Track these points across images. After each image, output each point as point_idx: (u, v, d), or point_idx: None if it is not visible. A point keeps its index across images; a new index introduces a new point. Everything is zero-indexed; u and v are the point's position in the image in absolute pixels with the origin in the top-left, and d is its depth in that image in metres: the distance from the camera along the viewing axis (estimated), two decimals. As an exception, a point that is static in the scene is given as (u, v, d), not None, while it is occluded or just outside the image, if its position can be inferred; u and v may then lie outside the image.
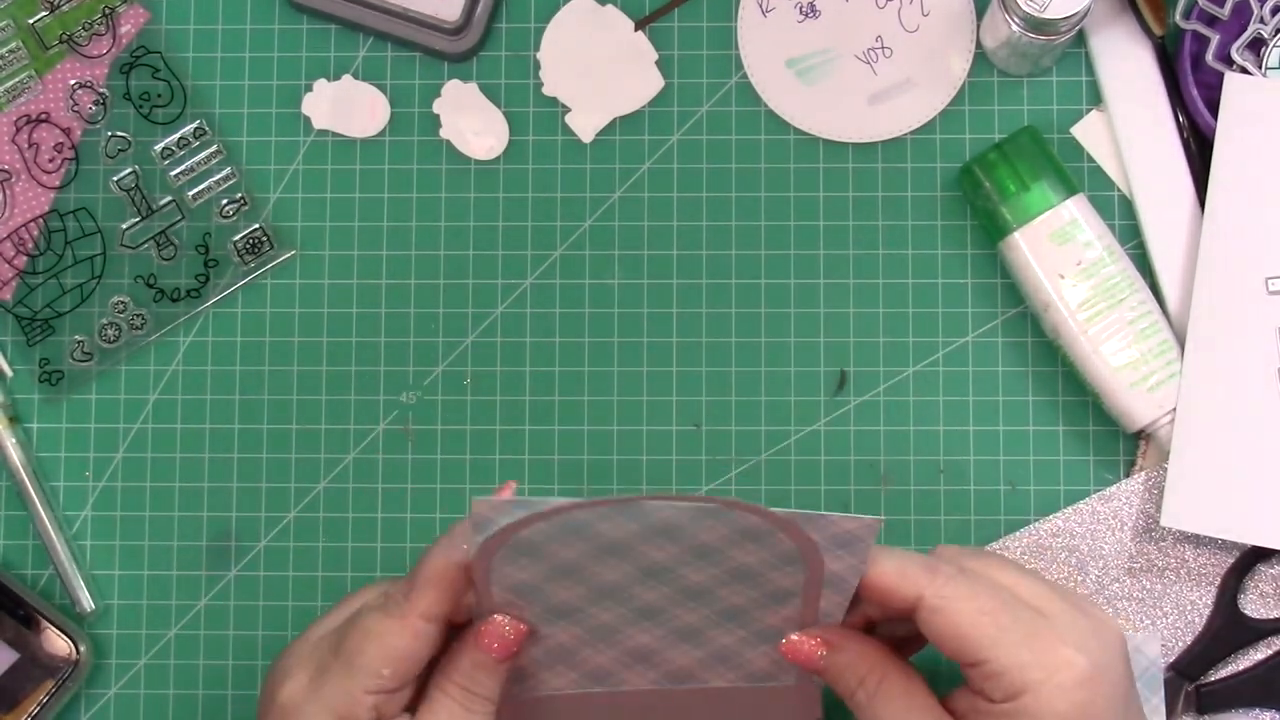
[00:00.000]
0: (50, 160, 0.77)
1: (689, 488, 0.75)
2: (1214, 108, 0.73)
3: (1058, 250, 0.72)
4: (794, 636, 0.63)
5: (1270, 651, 0.72)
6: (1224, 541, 0.72)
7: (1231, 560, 0.73)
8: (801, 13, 0.77)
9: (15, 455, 0.75)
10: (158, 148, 0.77)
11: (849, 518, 0.61)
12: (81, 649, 0.73)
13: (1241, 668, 0.72)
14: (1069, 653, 0.58)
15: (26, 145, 0.77)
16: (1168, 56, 0.75)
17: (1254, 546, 0.72)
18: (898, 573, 0.60)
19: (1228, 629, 0.72)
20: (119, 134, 0.77)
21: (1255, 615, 0.73)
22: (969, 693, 0.60)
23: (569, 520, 0.60)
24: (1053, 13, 0.69)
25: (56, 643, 0.73)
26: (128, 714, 0.75)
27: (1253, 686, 0.72)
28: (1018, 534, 0.74)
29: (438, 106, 0.77)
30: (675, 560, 0.61)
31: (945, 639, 0.59)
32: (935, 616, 0.59)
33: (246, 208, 0.77)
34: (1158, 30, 0.74)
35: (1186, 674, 0.72)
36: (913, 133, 0.76)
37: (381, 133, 0.77)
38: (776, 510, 0.60)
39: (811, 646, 0.63)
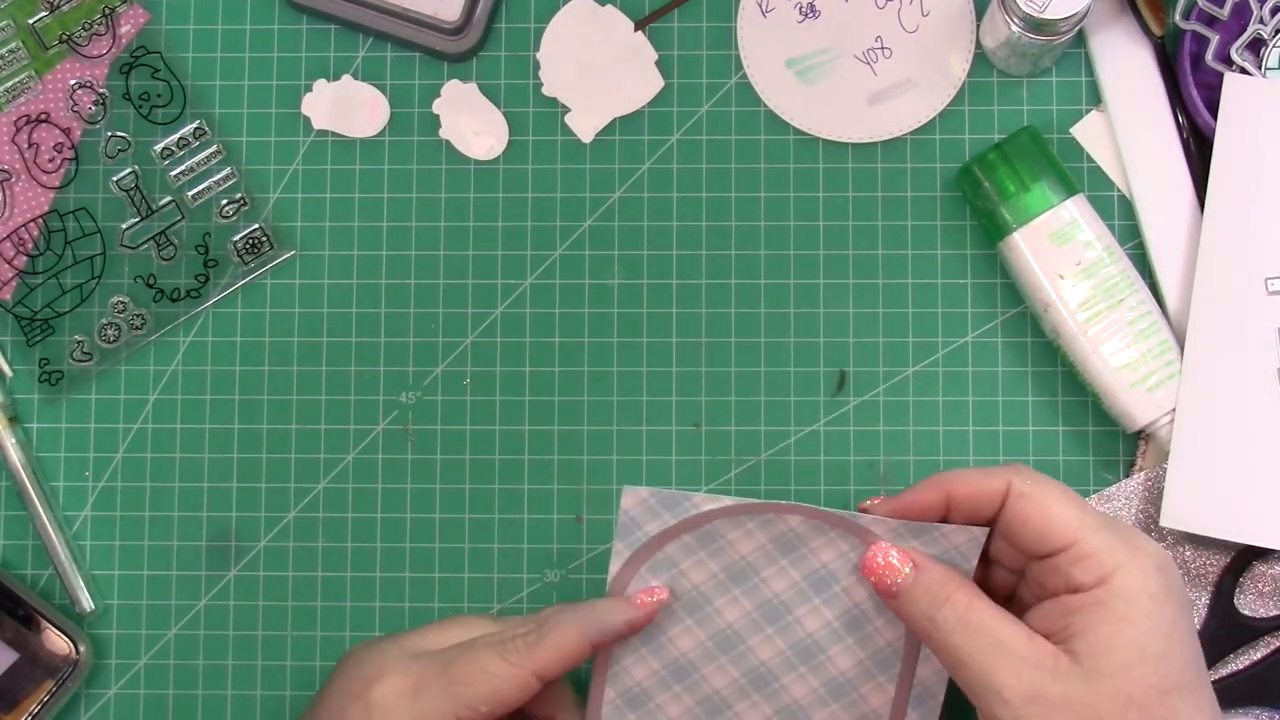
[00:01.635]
0: (50, 160, 0.77)
1: (690, 487, 0.75)
2: (1214, 108, 0.73)
3: (1057, 250, 0.72)
4: (878, 551, 0.63)
5: (1267, 650, 0.72)
6: (1223, 542, 0.72)
7: (1228, 560, 0.73)
8: (801, 13, 0.77)
9: (15, 455, 0.75)
10: (158, 148, 0.77)
11: (957, 530, 0.63)
12: (81, 649, 0.73)
13: (1239, 667, 0.72)
14: (1144, 540, 0.60)
15: (26, 145, 0.77)
16: (1167, 57, 0.75)
17: (1248, 546, 0.72)
18: (982, 473, 0.62)
19: (1224, 629, 0.72)
20: (119, 134, 0.77)
21: (1252, 614, 0.73)
22: (1052, 603, 0.60)
23: (709, 529, 0.65)
24: (1052, 13, 0.69)
25: (56, 643, 0.73)
26: (128, 714, 0.75)
27: (1250, 685, 0.72)
28: (1017, 534, 0.74)
29: (437, 106, 0.77)
30: (793, 595, 0.66)
31: (1033, 522, 0.61)
32: (1024, 502, 0.61)
33: (246, 208, 0.77)
34: (1157, 31, 0.74)
35: (1186, 674, 0.72)
36: (912, 133, 0.76)
37: (381, 133, 0.77)
38: (885, 521, 0.64)
39: (900, 559, 0.63)
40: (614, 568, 0.66)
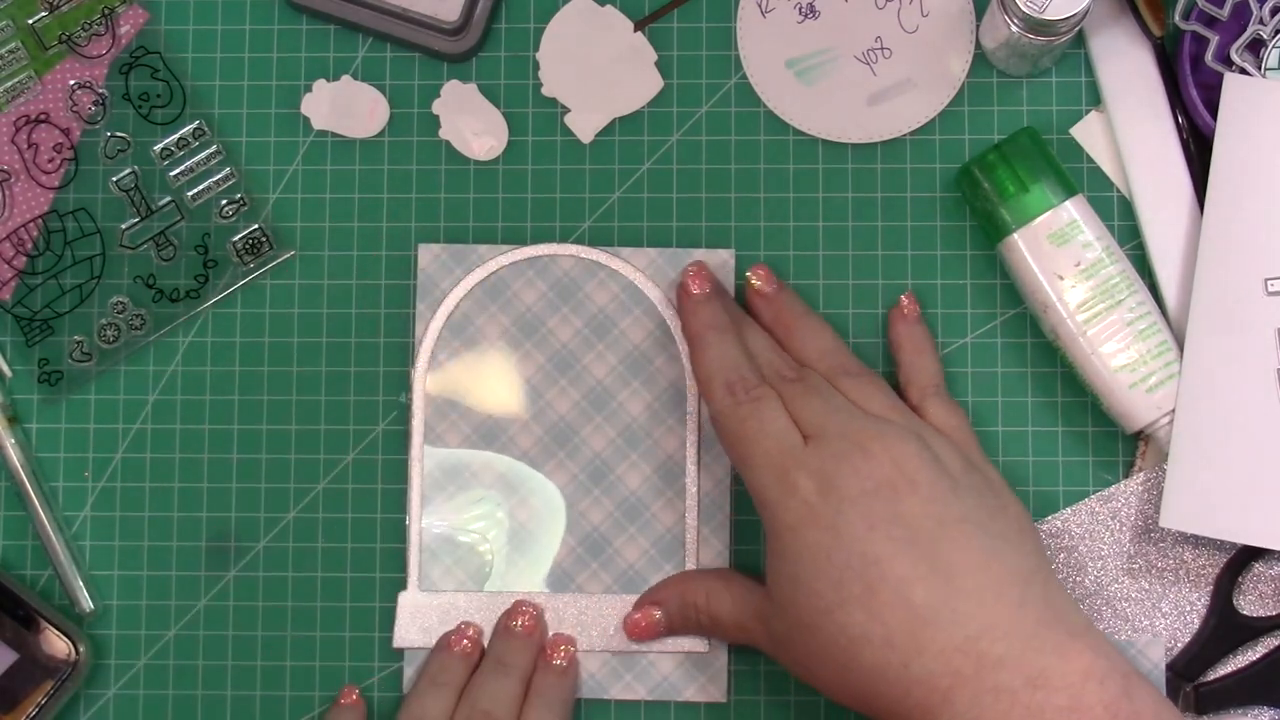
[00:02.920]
0: (50, 160, 0.77)
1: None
2: (1213, 108, 0.73)
3: (1057, 251, 0.72)
4: (629, 624, 0.72)
5: (1267, 649, 0.72)
6: (1223, 542, 0.72)
7: (1227, 560, 0.73)
8: (801, 13, 0.76)
9: (15, 455, 0.75)
10: (157, 148, 0.77)
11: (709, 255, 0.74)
12: (81, 649, 0.73)
13: (1239, 666, 0.72)
14: (799, 472, 0.65)
15: (26, 145, 0.77)
16: (1167, 57, 0.75)
17: (1247, 545, 0.72)
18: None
19: (1224, 628, 0.72)
20: (118, 134, 0.77)
21: (1251, 613, 0.73)
22: None
23: (495, 281, 0.75)
24: (1052, 14, 0.69)
25: (56, 643, 0.73)
26: (127, 714, 0.75)
27: (1251, 685, 0.72)
28: (1017, 534, 0.74)
29: (437, 107, 0.77)
30: (579, 343, 0.75)
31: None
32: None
33: (246, 208, 0.77)
34: (1157, 31, 0.74)
35: (1184, 674, 0.72)
36: (912, 133, 0.76)
37: (381, 133, 0.77)
38: (644, 251, 0.75)
39: (648, 619, 0.72)
40: (419, 329, 0.75)
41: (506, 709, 0.70)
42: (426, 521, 0.75)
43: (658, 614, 0.72)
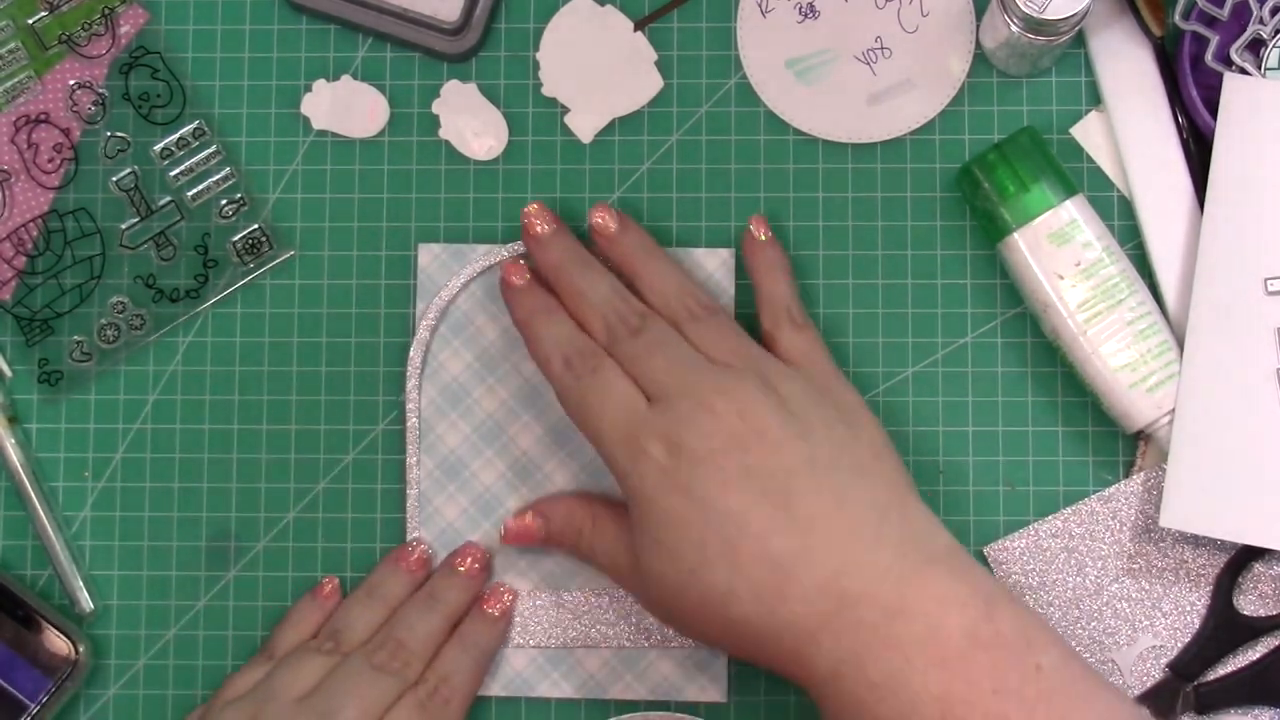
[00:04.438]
0: (49, 160, 0.77)
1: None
2: (1213, 108, 0.73)
3: (1057, 251, 0.72)
4: (509, 522, 0.72)
5: (1266, 649, 0.72)
6: (1223, 542, 0.72)
7: (1227, 560, 0.73)
8: (801, 13, 0.77)
9: (14, 455, 0.75)
10: (157, 148, 0.77)
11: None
12: (81, 649, 0.73)
13: (1239, 666, 0.72)
14: (649, 437, 0.65)
15: (26, 145, 0.77)
16: (1167, 57, 0.75)
17: (1247, 545, 0.72)
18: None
19: (1223, 628, 0.72)
20: (118, 134, 0.77)
21: (1250, 613, 0.73)
22: None
23: (494, 281, 0.75)
24: (1052, 13, 0.69)
25: (56, 643, 0.73)
26: (127, 714, 0.75)
27: (1250, 684, 0.72)
28: (1017, 534, 0.74)
29: (437, 107, 0.77)
30: None
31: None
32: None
33: (246, 208, 0.77)
34: (1157, 31, 0.74)
35: (1184, 674, 0.72)
36: (912, 133, 0.76)
37: (381, 133, 0.77)
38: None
39: (529, 523, 0.72)
40: (419, 329, 0.74)
41: (421, 641, 0.71)
42: (426, 520, 0.75)
43: (538, 522, 0.72)
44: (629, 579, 0.69)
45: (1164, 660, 0.72)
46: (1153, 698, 0.72)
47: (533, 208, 0.72)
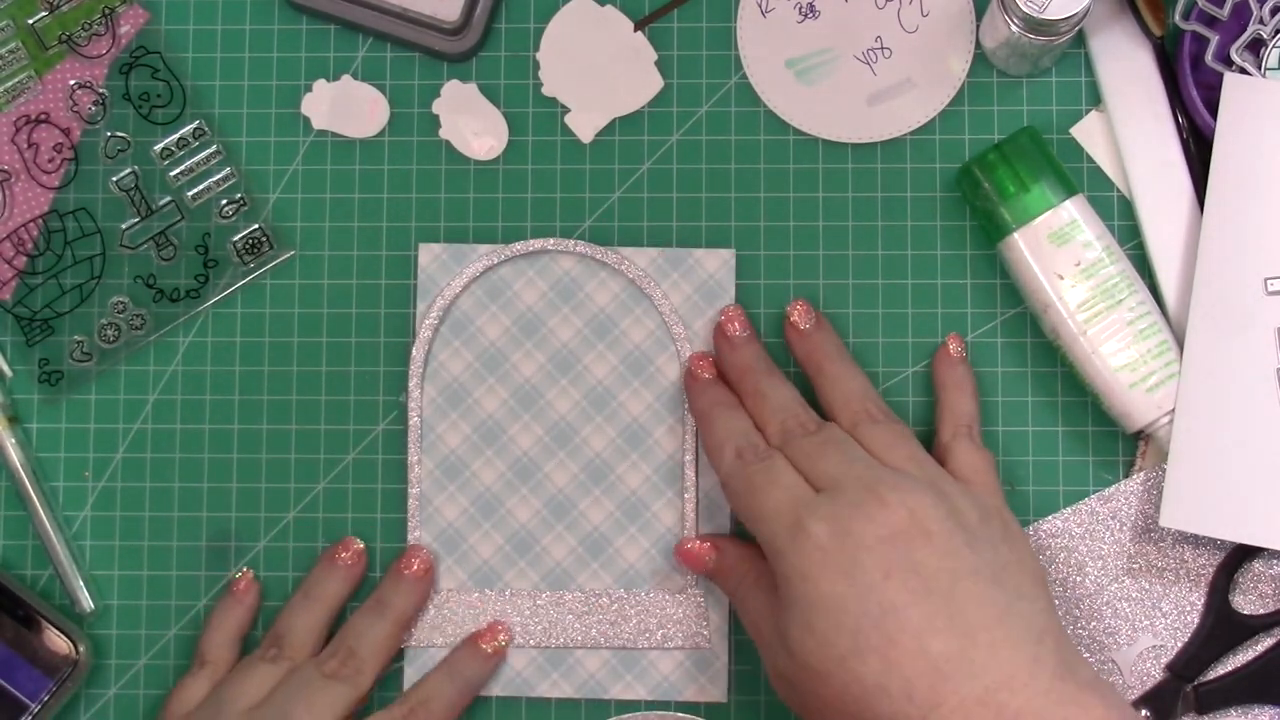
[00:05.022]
0: (50, 160, 0.77)
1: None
2: (1213, 108, 0.73)
3: (1057, 251, 0.72)
4: (688, 544, 0.72)
5: (1265, 648, 0.72)
6: (1223, 542, 0.72)
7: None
8: (801, 13, 0.76)
9: (15, 455, 0.75)
10: (157, 148, 0.77)
11: (708, 254, 0.75)
12: (81, 649, 0.73)
13: (1238, 665, 0.72)
14: (812, 518, 0.65)
15: (26, 145, 0.77)
16: (1167, 57, 0.75)
17: (1241, 544, 0.72)
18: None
19: (1221, 627, 0.72)
20: (118, 134, 0.77)
21: (1247, 612, 0.73)
22: None
23: (495, 281, 0.75)
24: (1052, 13, 0.69)
25: (56, 643, 0.73)
26: (128, 714, 0.75)
27: (1249, 683, 0.72)
28: (1017, 534, 0.74)
29: (437, 107, 0.77)
30: (579, 343, 0.75)
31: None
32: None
33: (246, 208, 0.77)
34: (1157, 31, 0.74)
35: (1184, 675, 0.72)
36: (912, 133, 0.76)
37: (381, 133, 0.77)
38: (644, 251, 0.75)
39: (702, 551, 0.72)
40: (419, 329, 0.75)
41: (371, 648, 0.71)
42: (426, 521, 0.75)
43: (711, 556, 0.71)
44: (768, 648, 0.67)
45: (1164, 660, 0.72)
46: (1153, 698, 0.72)
47: (732, 310, 0.73)
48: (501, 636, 0.73)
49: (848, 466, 0.66)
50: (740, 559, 0.70)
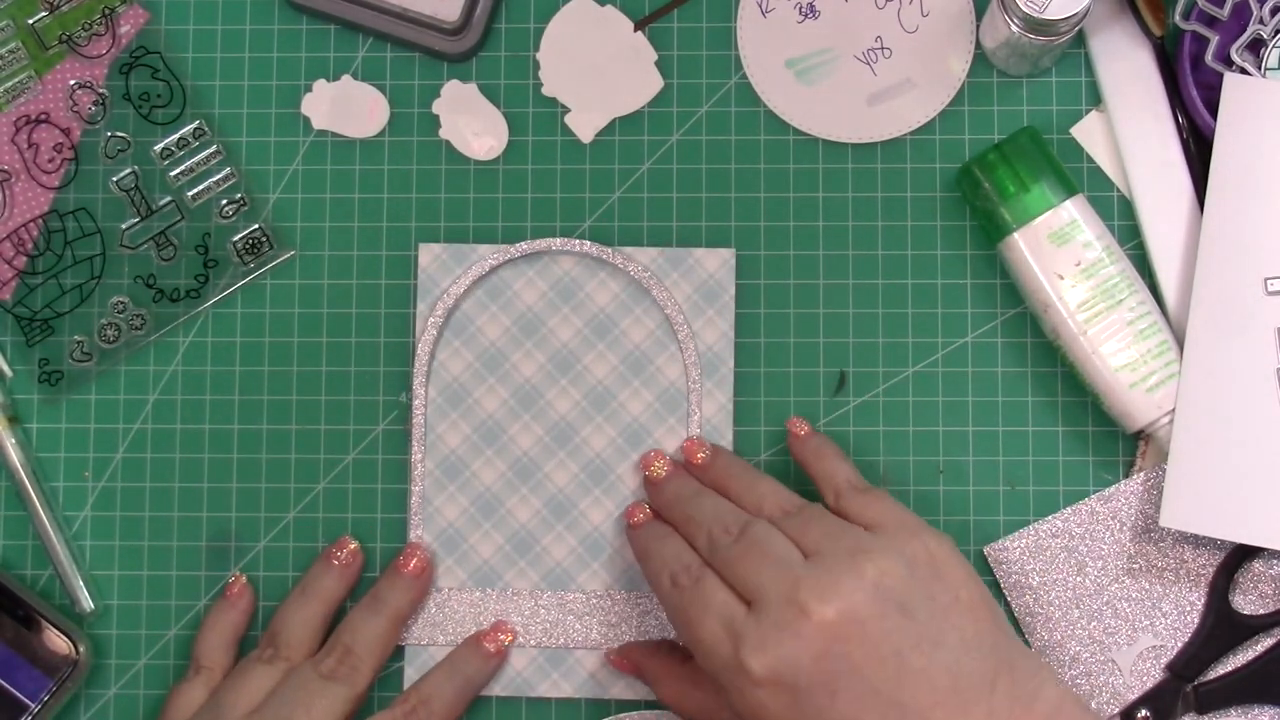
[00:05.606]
0: (50, 160, 0.77)
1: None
2: (1213, 108, 0.73)
3: (1057, 251, 0.72)
4: (612, 661, 0.73)
5: (1265, 648, 0.72)
6: (1223, 542, 0.72)
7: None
8: (801, 13, 0.77)
9: (15, 455, 0.75)
10: (157, 148, 0.77)
11: (708, 253, 0.75)
12: (81, 649, 0.73)
13: (1238, 665, 0.72)
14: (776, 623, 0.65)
15: (26, 145, 0.77)
16: (1167, 57, 0.75)
17: (1241, 544, 0.72)
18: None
19: (1221, 628, 0.72)
20: (118, 134, 0.77)
21: (1247, 612, 0.73)
22: None
23: (496, 281, 0.75)
24: (1052, 13, 0.69)
25: (56, 643, 0.73)
26: (128, 714, 0.75)
27: (1249, 683, 0.72)
28: (1017, 534, 0.74)
29: (437, 107, 0.77)
30: (579, 343, 0.75)
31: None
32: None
33: (246, 208, 0.77)
34: (1157, 31, 0.74)
35: (1184, 675, 0.72)
36: (912, 133, 0.76)
37: (381, 133, 0.77)
38: (645, 250, 0.74)
39: (620, 662, 0.73)
40: (419, 329, 0.75)
41: (368, 645, 0.71)
42: (427, 521, 0.75)
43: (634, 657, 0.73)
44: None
45: (1164, 660, 0.72)
46: (1153, 698, 0.72)
47: (651, 454, 0.73)
48: (504, 636, 0.73)
49: (766, 572, 0.65)
50: (646, 655, 0.73)
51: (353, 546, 0.74)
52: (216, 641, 0.73)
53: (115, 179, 0.77)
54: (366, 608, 0.73)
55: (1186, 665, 0.72)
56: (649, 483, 0.73)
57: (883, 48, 0.76)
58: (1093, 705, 0.72)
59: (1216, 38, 0.73)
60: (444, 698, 0.72)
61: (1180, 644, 0.73)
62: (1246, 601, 0.73)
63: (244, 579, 0.75)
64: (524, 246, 0.75)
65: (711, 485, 0.72)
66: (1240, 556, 0.72)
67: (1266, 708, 0.72)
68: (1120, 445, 0.75)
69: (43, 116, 0.77)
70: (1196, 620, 0.73)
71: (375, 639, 0.72)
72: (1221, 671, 0.73)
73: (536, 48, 0.77)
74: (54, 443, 0.76)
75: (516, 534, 0.74)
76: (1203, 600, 0.73)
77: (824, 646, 0.62)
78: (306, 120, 0.77)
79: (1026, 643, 0.72)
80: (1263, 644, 0.73)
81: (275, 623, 0.73)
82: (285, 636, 0.72)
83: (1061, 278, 0.72)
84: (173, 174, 0.77)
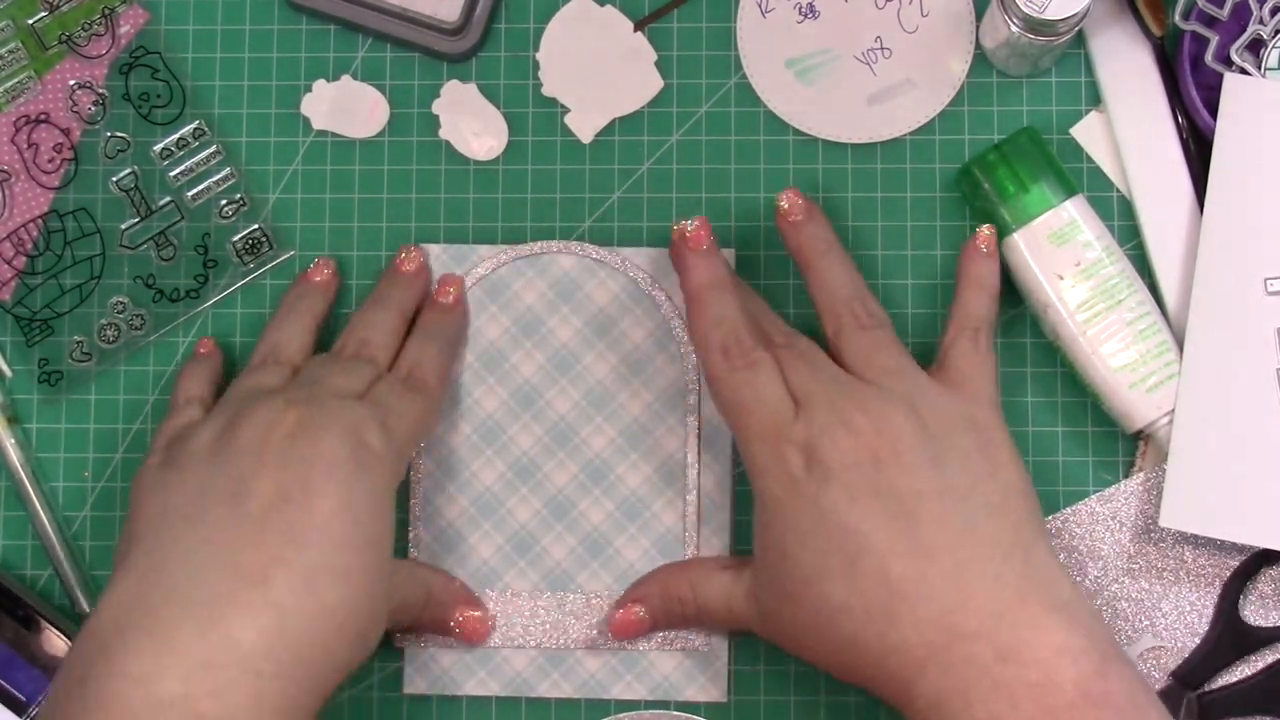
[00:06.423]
0: (49, 161, 0.77)
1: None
2: (1213, 108, 0.73)
3: (1057, 251, 0.72)
4: (614, 618, 0.72)
5: (1272, 659, 0.72)
6: (1223, 542, 0.72)
7: (1231, 561, 0.72)
8: (801, 13, 0.77)
9: (14, 455, 0.75)
10: (157, 148, 0.77)
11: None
12: (81, 649, 0.73)
13: (1243, 675, 0.72)
14: (788, 445, 0.66)
15: (26, 145, 0.77)
16: (1167, 57, 0.75)
17: (1257, 552, 0.72)
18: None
19: (1229, 637, 0.72)
20: (118, 134, 0.77)
21: (1256, 623, 0.72)
22: None
23: (495, 280, 0.75)
24: (1052, 14, 0.69)
25: (56, 643, 0.73)
26: (127, 714, 0.75)
27: (1255, 694, 0.72)
28: (1017, 534, 0.73)
29: (437, 107, 0.77)
30: (579, 343, 0.75)
31: None
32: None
33: (246, 208, 0.77)
34: (1157, 31, 0.74)
35: (1188, 683, 0.72)
36: (912, 133, 0.76)
37: (381, 133, 0.77)
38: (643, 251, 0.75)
39: (632, 617, 0.72)
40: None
41: (383, 337, 0.72)
42: (427, 521, 0.75)
43: (641, 611, 0.72)
44: (747, 610, 0.69)
45: (1164, 660, 0.72)
46: (1153, 699, 0.72)
47: (696, 220, 0.70)
48: (453, 286, 0.74)
49: (820, 382, 0.66)
50: (664, 588, 0.71)
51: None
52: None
53: (115, 179, 0.77)
54: (372, 305, 0.73)
55: (1193, 674, 0.72)
56: (684, 252, 0.70)
57: (882, 48, 0.76)
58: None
59: (1216, 38, 0.73)
60: (429, 359, 0.72)
61: (1181, 645, 0.72)
62: (1254, 612, 0.73)
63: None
64: (524, 248, 0.75)
65: (792, 251, 0.72)
66: (1255, 565, 0.72)
67: (1270, 719, 0.72)
68: (1120, 445, 0.75)
69: (42, 116, 0.77)
70: (1197, 620, 0.72)
71: (389, 329, 0.72)
72: (1229, 680, 0.72)
73: (536, 48, 0.77)
74: (54, 443, 0.76)
75: (516, 534, 0.74)
76: (1202, 600, 0.73)
77: (857, 460, 0.64)
78: (306, 120, 0.77)
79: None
80: (1270, 657, 0.72)
81: (268, 341, 0.73)
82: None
83: (1061, 278, 0.72)
84: (172, 174, 0.77)
